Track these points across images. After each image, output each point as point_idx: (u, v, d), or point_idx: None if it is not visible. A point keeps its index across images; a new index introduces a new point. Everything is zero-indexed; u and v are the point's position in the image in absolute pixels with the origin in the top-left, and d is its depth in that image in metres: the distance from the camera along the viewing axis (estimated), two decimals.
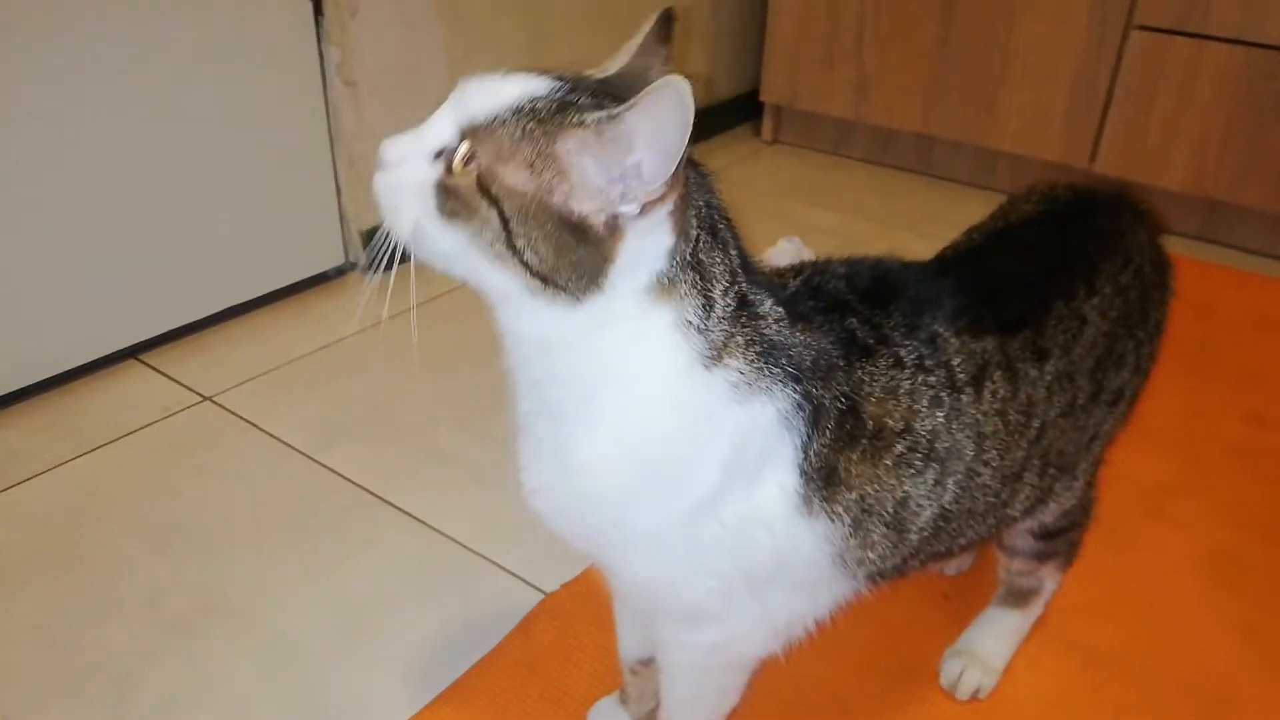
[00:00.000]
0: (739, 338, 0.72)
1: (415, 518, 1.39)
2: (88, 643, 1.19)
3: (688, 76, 0.61)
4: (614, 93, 0.69)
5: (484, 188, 0.65)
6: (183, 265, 1.74)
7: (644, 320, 0.70)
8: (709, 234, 0.72)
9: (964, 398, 0.82)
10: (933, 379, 0.81)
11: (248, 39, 1.70)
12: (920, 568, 0.93)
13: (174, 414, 1.61)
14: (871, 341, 0.79)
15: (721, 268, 0.72)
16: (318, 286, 1.98)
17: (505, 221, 0.66)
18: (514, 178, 0.65)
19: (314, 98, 1.84)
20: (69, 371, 1.65)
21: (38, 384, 1.62)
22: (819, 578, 0.83)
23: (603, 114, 0.64)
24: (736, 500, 0.75)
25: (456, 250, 0.67)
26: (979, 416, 0.83)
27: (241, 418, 1.60)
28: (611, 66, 0.73)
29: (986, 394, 0.84)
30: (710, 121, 2.82)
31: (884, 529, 0.81)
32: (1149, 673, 1.16)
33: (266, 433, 1.56)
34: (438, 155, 0.67)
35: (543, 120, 0.65)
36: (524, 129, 0.65)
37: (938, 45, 2.38)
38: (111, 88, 1.55)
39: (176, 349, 1.78)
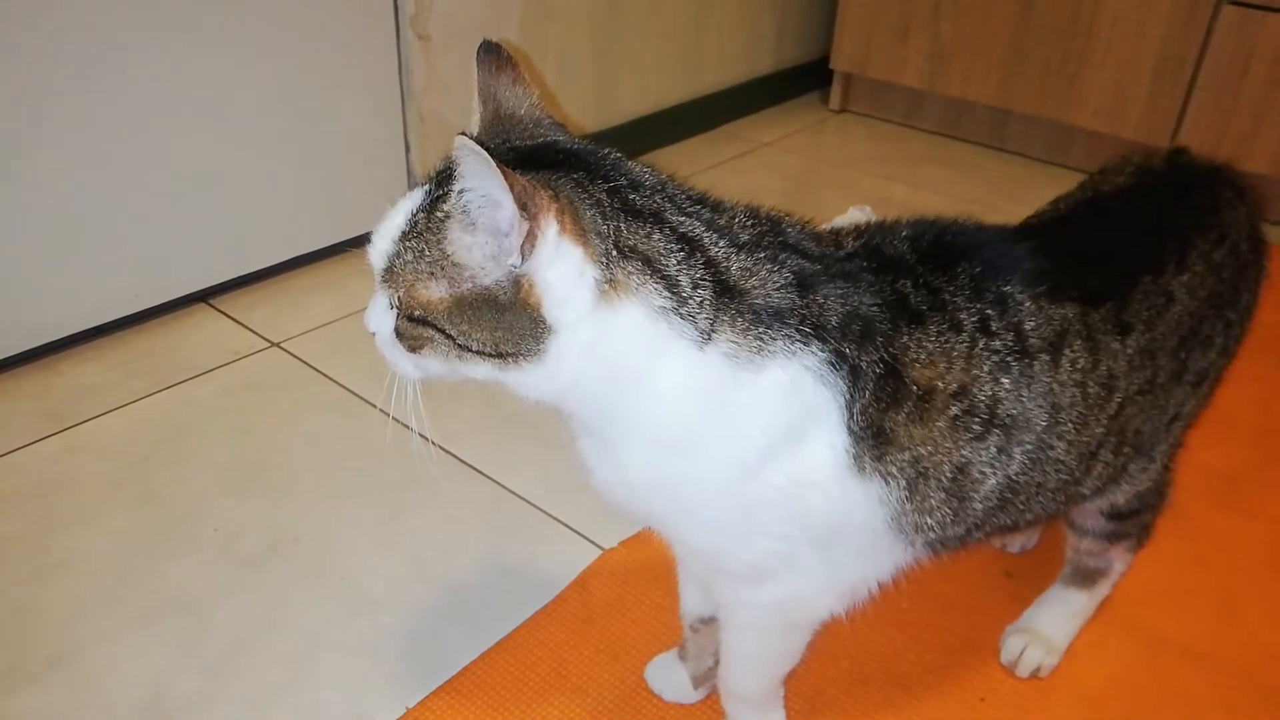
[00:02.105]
0: (725, 313, 0.71)
1: (479, 471, 1.40)
2: (161, 577, 1.22)
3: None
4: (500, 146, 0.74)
5: (412, 318, 0.72)
6: (253, 214, 1.77)
7: (615, 327, 0.70)
8: (628, 217, 0.71)
9: (1036, 365, 0.80)
10: (997, 344, 0.78)
11: None
12: (985, 539, 0.92)
13: (243, 358, 1.64)
14: (925, 306, 0.77)
15: (664, 242, 0.71)
16: None
17: (443, 332, 0.71)
18: (427, 293, 0.70)
19: (387, 51, 1.84)
20: (143, 312, 1.69)
21: (113, 322, 1.66)
22: (877, 542, 0.82)
23: (450, 196, 0.68)
24: (785, 463, 0.74)
25: (442, 368, 0.74)
26: (1054, 386, 0.81)
27: (309, 364, 1.63)
28: (476, 120, 0.78)
29: (1065, 363, 0.81)
30: (776, 88, 2.78)
31: (942, 494, 0.80)
32: (1215, 661, 1.14)
33: (333, 380, 1.59)
34: (392, 307, 0.74)
35: (422, 232, 0.70)
36: (413, 250, 0.70)
37: (1019, 16, 2.32)
38: (187, 38, 1.57)
39: (245, 295, 1.81)
